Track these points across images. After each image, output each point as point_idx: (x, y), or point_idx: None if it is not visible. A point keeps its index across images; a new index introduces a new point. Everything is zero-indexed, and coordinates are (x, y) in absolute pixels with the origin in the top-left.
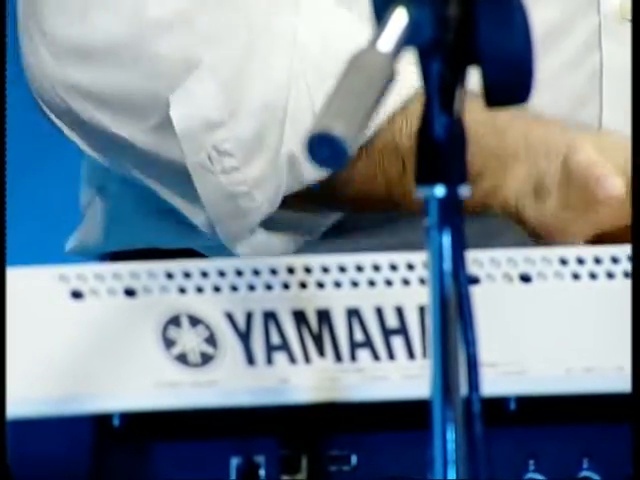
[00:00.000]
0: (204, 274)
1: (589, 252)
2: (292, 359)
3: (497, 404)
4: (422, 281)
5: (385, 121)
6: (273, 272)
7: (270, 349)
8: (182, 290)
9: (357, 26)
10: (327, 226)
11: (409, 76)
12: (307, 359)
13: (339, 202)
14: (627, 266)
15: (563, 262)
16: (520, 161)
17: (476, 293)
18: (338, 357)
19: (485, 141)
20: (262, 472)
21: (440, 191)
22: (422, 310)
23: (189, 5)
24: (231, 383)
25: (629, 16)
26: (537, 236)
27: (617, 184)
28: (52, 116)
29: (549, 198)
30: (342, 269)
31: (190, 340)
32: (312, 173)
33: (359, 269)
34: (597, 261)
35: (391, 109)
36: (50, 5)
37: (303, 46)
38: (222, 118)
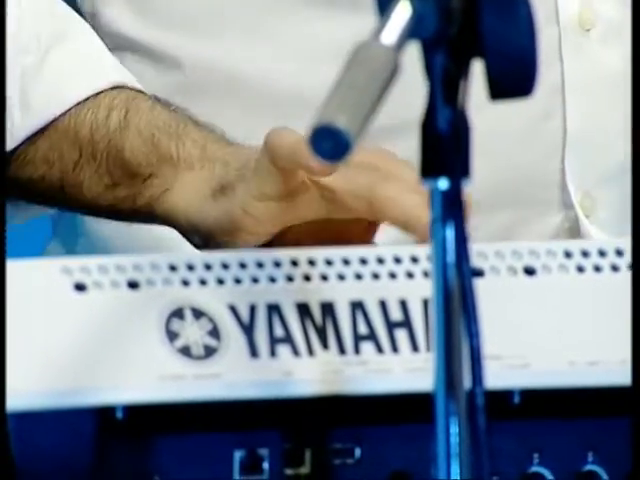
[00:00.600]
0: (207, 266)
1: (594, 245)
2: (296, 352)
3: (501, 397)
4: (426, 274)
5: (72, 106)
6: (277, 264)
7: (274, 342)
8: (185, 282)
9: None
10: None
11: (106, 69)
12: (311, 352)
13: (15, 184)
14: (631, 258)
15: (567, 255)
16: (194, 170)
17: (480, 286)
18: (342, 350)
19: (163, 144)
20: (265, 465)
21: (443, 184)
22: (426, 303)
23: None
24: (234, 376)
25: (589, 26)
26: (221, 234)
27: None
28: None
29: (234, 195)
30: (346, 262)
31: (193, 333)
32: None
33: (363, 262)
34: (602, 254)
35: (80, 96)
36: None
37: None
38: None
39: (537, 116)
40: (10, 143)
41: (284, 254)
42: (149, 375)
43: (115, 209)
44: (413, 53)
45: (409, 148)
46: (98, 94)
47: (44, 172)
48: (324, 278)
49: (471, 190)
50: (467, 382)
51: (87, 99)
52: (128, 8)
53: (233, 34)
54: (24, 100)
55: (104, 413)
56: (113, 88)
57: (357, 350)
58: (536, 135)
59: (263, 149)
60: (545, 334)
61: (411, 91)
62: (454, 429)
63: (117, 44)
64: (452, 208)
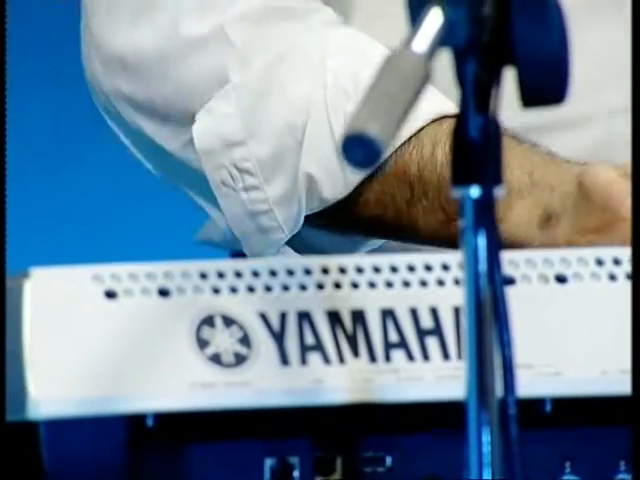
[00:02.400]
0: (238, 274)
1: (625, 253)
2: (326, 360)
3: (533, 406)
4: (457, 282)
5: (398, 148)
6: (307, 272)
7: (304, 349)
8: (216, 290)
9: (382, 52)
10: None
11: (425, 105)
12: (341, 360)
13: (353, 225)
14: None
15: (599, 263)
16: (523, 198)
17: (512, 294)
18: (372, 358)
19: None
20: (296, 473)
21: (475, 192)
22: (457, 311)
23: (224, 21)
24: (265, 384)
25: None
26: None
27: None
28: (108, 119)
29: (558, 226)
30: (376, 269)
31: (224, 340)
32: (330, 193)
33: (393, 270)
34: None
35: (404, 136)
36: (99, 13)
37: (330, 70)
38: (242, 137)
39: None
40: (343, 190)
41: (314, 261)
42: (180, 383)
43: (453, 242)
44: None
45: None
46: (420, 130)
47: (380, 213)
48: (355, 286)
49: None
50: (499, 391)
51: (410, 137)
52: None
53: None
54: None
55: (135, 421)
56: (434, 120)
57: (388, 358)
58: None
59: (579, 187)
60: (576, 342)
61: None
62: (486, 438)
63: None
64: (484, 216)
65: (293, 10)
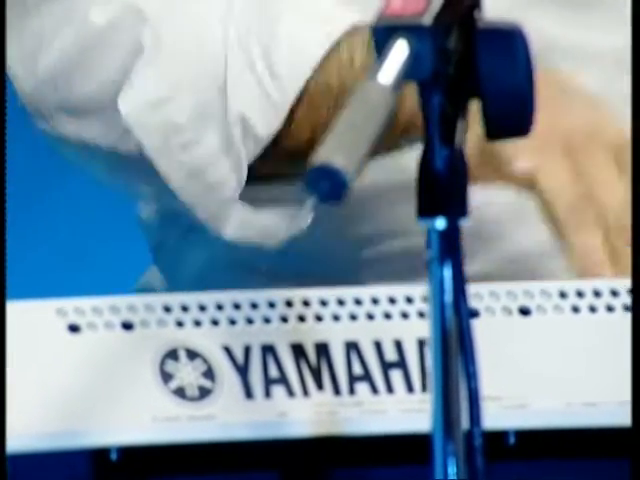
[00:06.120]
0: (202, 307)
1: (589, 285)
2: (290, 392)
3: (496, 438)
4: (421, 314)
5: (319, 63)
6: (271, 305)
7: (268, 383)
8: (180, 323)
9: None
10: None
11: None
12: (305, 392)
13: (293, 162)
14: (627, 299)
15: (562, 295)
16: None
17: (476, 326)
18: (337, 391)
19: None
20: None
21: (441, 224)
22: (421, 344)
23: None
24: (229, 417)
25: None
26: None
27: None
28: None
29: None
30: (340, 302)
31: (188, 374)
32: (264, 128)
33: (357, 302)
34: (596, 294)
35: (322, 52)
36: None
37: (239, 12)
38: (166, 94)
39: None
40: (274, 121)
41: (278, 294)
42: (143, 416)
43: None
44: None
45: None
46: (337, 42)
47: (312, 136)
48: (318, 318)
49: None
50: (465, 423)
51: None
52: None
53: None
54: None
55: (99, 455)
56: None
57: (352, 391)
58: None
59: None
60: (541, 374)
61: None
62: (452, 470)
63: None
64: (450, 248)
65: None
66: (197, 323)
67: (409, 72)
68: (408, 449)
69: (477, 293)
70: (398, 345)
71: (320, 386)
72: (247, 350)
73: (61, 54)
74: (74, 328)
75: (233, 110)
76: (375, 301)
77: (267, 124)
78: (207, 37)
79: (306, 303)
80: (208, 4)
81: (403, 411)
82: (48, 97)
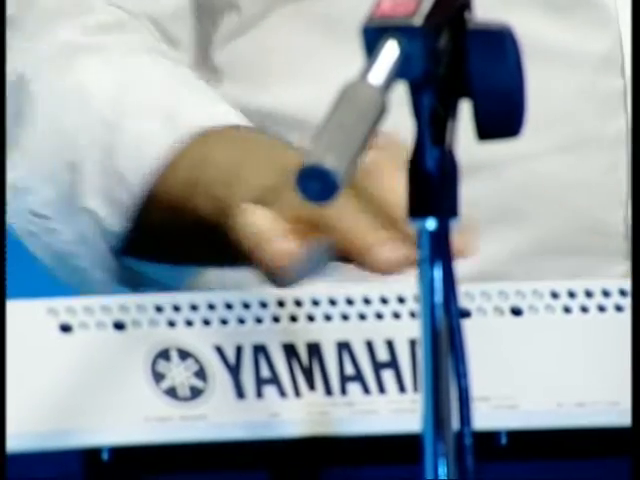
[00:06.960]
0: (193, 307)
1: (580, 285)
2: (282, 393)
3: (488, 438)
4: (413, 314)
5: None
6: (263, 305)
7: (260, 383)
8: (171, 323)
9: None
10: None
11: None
12: (297, 393)
13: (159, 247)
14: (618, 299)
15: (554, 295)
16: None
17: (467, 326)
18: (328, 391)
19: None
20: None
21: (431, 224)
22: (413, 344)
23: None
24: (221, 417)
25: None
26: None
27: None
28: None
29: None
30: (332, 302)
31: (179, 374)
32: (113, 224)
33: (349, 302)
34: (588, 294)
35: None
36: None
37: (90, 97)
38: (29, 184)
39: (603, 168)
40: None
41: (270, 294)
42: (135, 417)
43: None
44: None
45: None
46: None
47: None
48: (310, 319)
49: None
50: (455, 423)
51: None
52: None
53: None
54: None
55: (90, 454)
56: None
57: (344, 391)
58: (602, 186)
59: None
60: (532, 375)
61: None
62: (442, 470)
63: None
64: (440, 248)
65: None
66: (189, 323)
67: (399, 72)
68: (400, 449)
69: (468, 293)
70: (390, 345)
71: (312, 386)
72: (239, 350)
73: None
74: (65, 328)
75: (85, 202)
76: (367, 301)
77: (116, 220)
78: (65, 123)
79: (298, 303)
80: (65, 88)
81: (395, 411)
82: None
